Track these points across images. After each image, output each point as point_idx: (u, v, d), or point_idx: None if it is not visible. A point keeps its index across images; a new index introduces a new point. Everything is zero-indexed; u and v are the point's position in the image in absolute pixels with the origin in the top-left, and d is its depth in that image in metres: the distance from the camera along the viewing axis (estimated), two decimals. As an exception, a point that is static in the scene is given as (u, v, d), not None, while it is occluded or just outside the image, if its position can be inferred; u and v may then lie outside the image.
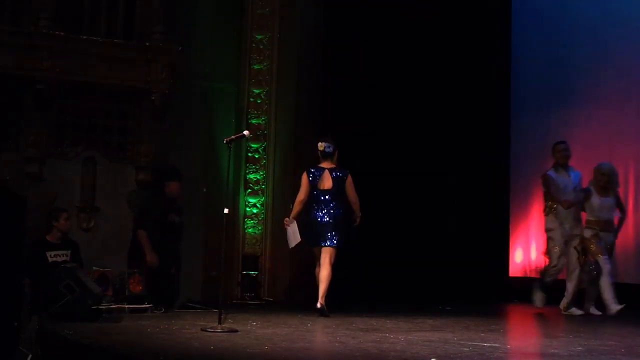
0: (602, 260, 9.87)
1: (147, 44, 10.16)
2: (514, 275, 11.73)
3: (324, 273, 9.00)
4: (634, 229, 10.90)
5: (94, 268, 9.27)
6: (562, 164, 10.19)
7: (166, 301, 9.31)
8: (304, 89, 11.10)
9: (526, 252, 11.71)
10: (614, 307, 9.74)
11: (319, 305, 8.91)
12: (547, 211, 10.21)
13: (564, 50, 11.64)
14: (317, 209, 9.17)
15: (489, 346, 7.21)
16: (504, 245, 11.85)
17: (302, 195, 9.22)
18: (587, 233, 10.04)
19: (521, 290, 11.40)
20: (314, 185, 9.18)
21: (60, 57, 9.78)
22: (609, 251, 10.05)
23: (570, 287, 10.13)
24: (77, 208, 10.13)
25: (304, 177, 9.22)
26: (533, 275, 11.55)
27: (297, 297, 10.64)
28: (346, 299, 10.05)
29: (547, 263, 10.29)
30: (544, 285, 10.26)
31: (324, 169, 9.23)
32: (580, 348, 7.29)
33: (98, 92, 10.19)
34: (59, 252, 9.22)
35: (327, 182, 9.19)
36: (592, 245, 9.95)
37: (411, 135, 11.33)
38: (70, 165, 10.12)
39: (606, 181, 9.97)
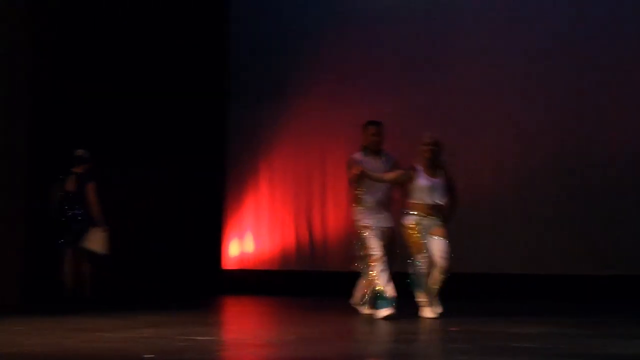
0: (421, 258, 8.54)
1: None
2: (229, 268, 11.83)
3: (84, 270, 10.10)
4: (344, 217, 11.31)
5: None
6: (372, 149, 8.87)
7: None
8: (11, 83, 10.56)
9: (241, 244, 11.86)
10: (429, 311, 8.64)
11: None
12: (354, 200, 8.85)
13: (281, 46, 11.87)
14: (66, 210, 10.20)
15: (205, 339, 7.24)
16: (219, 238, 11.93)
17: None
18: (408, 220, 8.64)
19: (236, 282, 11.55)
20: (61, 187, 10.22)
21: None
22: (440, 234, 8.56)
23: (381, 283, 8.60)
24: None
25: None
26: (249, 267, 11.71)
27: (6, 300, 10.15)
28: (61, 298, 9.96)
29: (365, 258, 8.72)
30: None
31: (73, 173, 10.26)
32: (293, 336, 7.50)
33: None
34: None
35: (72, 186, 10.24)
36: (412, 239, 8.58)
37: (128, 128, 11.12)
38: None
39: (431, 153, 8.56)
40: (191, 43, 11.73)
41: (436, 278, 8.43)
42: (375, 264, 8.56)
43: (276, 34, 11.95)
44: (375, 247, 8.60)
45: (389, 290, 8.50)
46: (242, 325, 8.78)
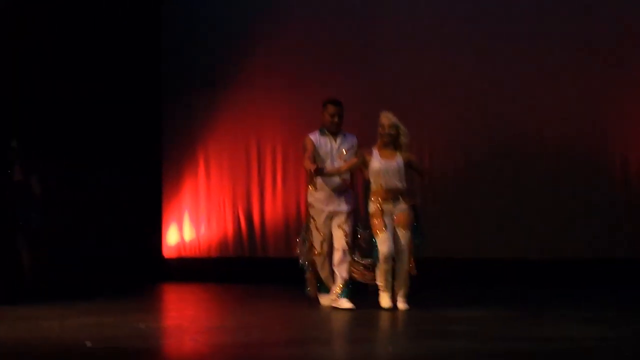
0: (381, 239, 8.11)
1: None
2: (169, 255, 11.85)
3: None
4: (282, 204, 11.39)
5: None
6: (330, 130, 8.48)
7: None
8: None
9: (180, 233, 11.87)
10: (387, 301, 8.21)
11: None
12: (309, 181, 8.56)
13: (215, 32, 11.86)
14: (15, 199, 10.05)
15: (146, 327, 7.28)
16: (159, 226, 11.92)
17: None
18: (371, 208, 8.24)
19: (177, 270, 11.58)
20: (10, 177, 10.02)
21: None
22: (404, 223, 8.20)
23: (341, 273, 8.35)
24: None
25: None
26: (188, 254, 11.74)
27: None
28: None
29: (307, 245, 8.57)
30: (318, 277, 8.62)
31: (16, 164, 10.00)
32: (233, 323, 7.62)
33: None
34: None
35: (20, 175, 9.99)
36: (375, 222, 8.16)
37: (62, 117, 11.03)
38: None
39: (389, 138, 8.20)
40: (124, 33, 11.63)
41: (399, 274, 8.13)
42: (316, 258, 8.50)
43: (209, 21, 11.88)
44: (317, 241, 8.47)
45: (330, 284, 8.50)
46: (182, 312, 8.83)
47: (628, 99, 10.73)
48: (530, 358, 5.76)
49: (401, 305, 8.17)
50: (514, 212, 10.80)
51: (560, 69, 10.87)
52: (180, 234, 11.84)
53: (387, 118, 8.21)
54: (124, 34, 11.61)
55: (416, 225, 8.29)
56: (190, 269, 11.57)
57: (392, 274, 8.19)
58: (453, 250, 10.75)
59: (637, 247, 10.55)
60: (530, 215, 10.76)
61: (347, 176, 8.54)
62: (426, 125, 10.87)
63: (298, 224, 11.29)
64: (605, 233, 10.59)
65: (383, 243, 8.08)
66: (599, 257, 10.55)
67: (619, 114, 10.74)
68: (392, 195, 8.15)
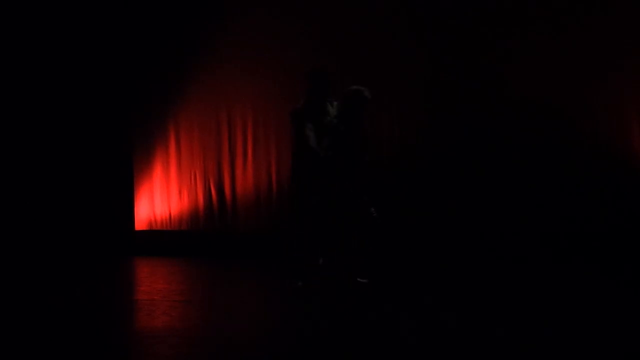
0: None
1: None
2: (139, 228, 11.96)
3: None
4: (252, 178, 11.52)
5: None
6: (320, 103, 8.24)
7: None
8: None
9: (151, 206, 11.97)
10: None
11: None
12: (298, 154, 8.27)
13: (183, 9, 11.90)
14: None
15: (118, 301, 7.44)
16: (129, 200, 12.02)
17: None
18: None
19: (147, 243, 11.70)
20: None
21: None
22: None
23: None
24: None
25: None
26: (159, 228, 11.87)
27: None
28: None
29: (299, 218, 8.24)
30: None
31: None
32: (203, 296, 7.75)
33: None
34: None
35: None
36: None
37: (33, 91, 11.15)
38: None
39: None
40: (93, 6, 11.72)
41: None
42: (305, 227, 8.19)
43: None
44: (307, 209, 8.14)
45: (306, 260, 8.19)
46: (153, 286, 8.97)
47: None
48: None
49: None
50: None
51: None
52: (151, 207, 11.95)
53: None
54: (93, 8, 11.68)
55: None
56: (161, 243, 11.70)
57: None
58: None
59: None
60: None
61: None
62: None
63: (269, 197, 11.47)
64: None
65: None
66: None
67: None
68: None
